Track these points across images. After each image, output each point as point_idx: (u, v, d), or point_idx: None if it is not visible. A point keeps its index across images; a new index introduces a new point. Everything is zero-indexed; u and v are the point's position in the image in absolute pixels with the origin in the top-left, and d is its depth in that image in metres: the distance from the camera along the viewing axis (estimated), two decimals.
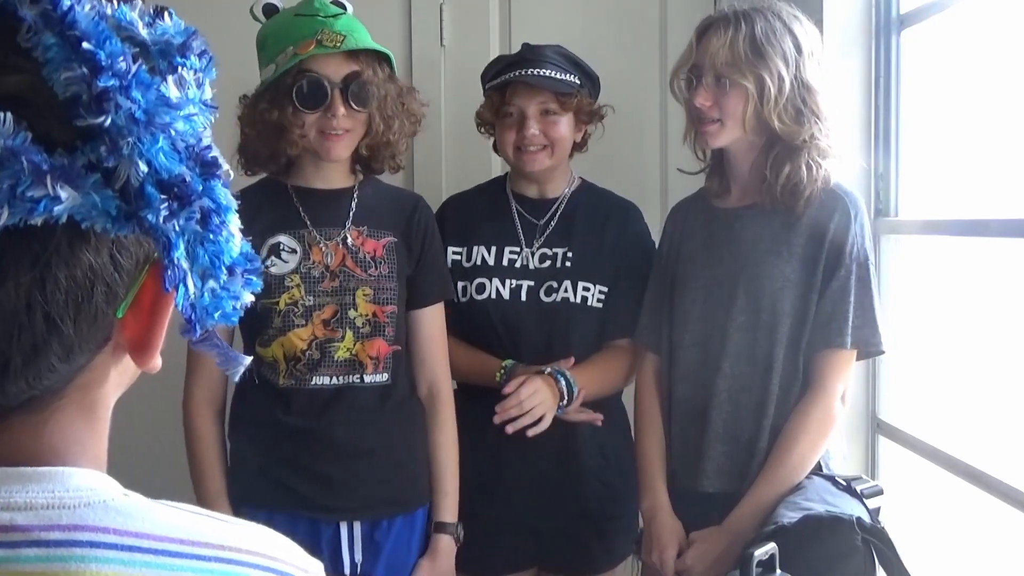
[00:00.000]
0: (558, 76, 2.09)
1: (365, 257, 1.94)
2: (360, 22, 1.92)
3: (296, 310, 1.90)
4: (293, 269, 1.91)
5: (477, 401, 2.07)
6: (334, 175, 1.99)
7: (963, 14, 2.08)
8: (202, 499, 1.90)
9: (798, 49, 1.86)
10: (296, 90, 1.84)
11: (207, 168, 0.61)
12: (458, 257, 2.18)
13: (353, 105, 1.86)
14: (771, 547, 1.54)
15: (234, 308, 0.65)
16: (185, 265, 0.61)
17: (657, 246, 2.18)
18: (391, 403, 1.97)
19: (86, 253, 0.58)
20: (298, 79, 1.84)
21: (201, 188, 0.60)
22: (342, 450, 1.93)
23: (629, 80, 2.66)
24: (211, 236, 0.62)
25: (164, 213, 0.59)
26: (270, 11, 1.93)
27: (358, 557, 1.94)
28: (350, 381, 1.92)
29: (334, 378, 1.92)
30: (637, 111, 2.69)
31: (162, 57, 0.60)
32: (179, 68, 0.61)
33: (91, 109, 0.56)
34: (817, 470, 1.89)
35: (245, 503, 1.90)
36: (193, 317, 0.62)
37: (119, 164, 0.57)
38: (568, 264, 2.17)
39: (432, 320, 2.04)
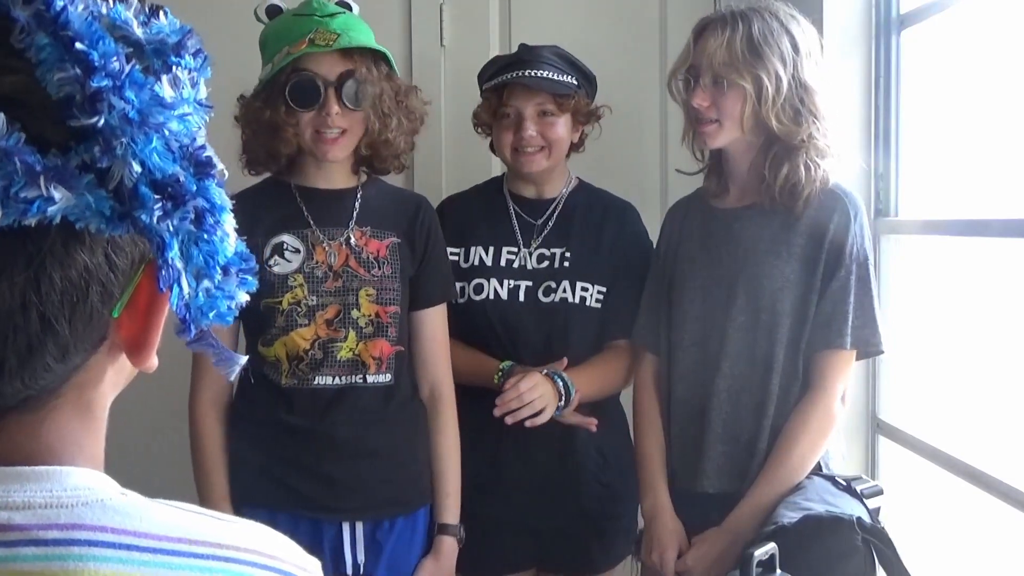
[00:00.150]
0: (556, 77, 2.09)
1: (368, 257, 1.95)
2: (363, 21, 1.92)
3: (299, 310, 1.90)
4: (296, 269, 1.91)
5: (476, 402, 2.07)
6: (337, 175, 1.99)
7: (963, 14, 2.07)
8: (205, 501, 1.90)
9: (795, 49, 1.86)
10: (288, 88, 1.84)
11: (201, 168, 0.61)
12: (456, 258, 2.18)
13: (347, 104, 1.86)
14: (771, 547, 1.54)
15: (229, 308, 0.65)
16: (179, 265, 0.61)
17: (655, 246, 2.18)
18: (394, 403, 1.97)
19: (81, 253, 0.58)
20: (291, 78, 1.84)
21: (195, 188, 0.61)
22: (344, 450, 1.93)
23: (629, 80, 2.66)
24: (205, 236, 0.62)
25: (158, 213, 0.59)
26: (273, 12, 1.93)
27: (360, 557, 1.94)
28: (353, 381, 1.92)
29: (337, 378, 1.92)
30: (637, 111, 2.69)
31: (157, 56, 0.60)
32: (174, 67, 0.61)
33: (84, 109, 0.57)
34: (817, 470, 1.89)
35: (247, 503, 1.90)
36: (188, 317, 0.63)
37: (113, 164, 0.57)
38: (567, 264, 2.17)
39: (434, 321, 2.04)
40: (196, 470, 1.95)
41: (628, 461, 2.14)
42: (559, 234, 2.20)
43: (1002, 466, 1.80)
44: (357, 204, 1.98)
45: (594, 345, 2.17)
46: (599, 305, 2.16)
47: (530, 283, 2.17)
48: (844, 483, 1.83)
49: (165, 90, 0.60)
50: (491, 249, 2.20)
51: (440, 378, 2.04)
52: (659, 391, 2.06)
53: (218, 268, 0.63)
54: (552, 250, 2.19)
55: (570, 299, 2.15)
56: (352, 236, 1.95)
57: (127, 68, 0.58)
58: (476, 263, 2.19)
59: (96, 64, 0.57)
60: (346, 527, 1.94)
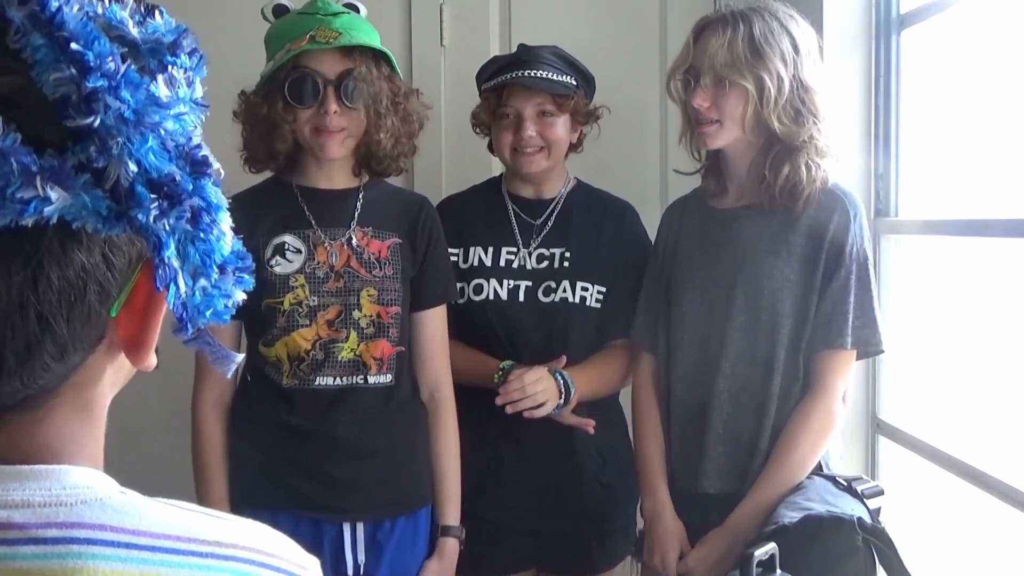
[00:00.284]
0: (555, 78, 2.09)
1: (370, 258, 1.95)
2: (368, 23, 1.92)
3: (300, 310, 1.90)
4: (298, 269, 1.91)
5: (475, 402, 2.07)
6: (338, 175, 1.99)
7: (963, 14, 2.07)
8: (203, 502, 1.90)
9: (796, 49, 1.86)
10: (287, 85, 1.84)
11: (197, 167, 0.61)
12: (455, 258, 2.18)
13: (346, 102, 1.86)
14: (771, 547, 1.54)
15: (225, 306, 0.65)
16: (176, 264, 0.61)
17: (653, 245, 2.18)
18: (394, 404, 1.97)
19: (78, 253, 0.59)
20: (291, 75, 1.84)
21: (191, 187, 0.61)
22: (345, 451, 1.93)
23: (629, 80, 2.65)
24: (202, 235, 0.62)
25: (154, 212, 0.59)
26: (280, 12, 1.94)
27: (361, 558, 1.94)
28: (354, 382, 1.92)
29: (338, 379, 1.92)
30: (637, 112, 2.69)
31: (152, 56, 0.61)
32: (169, 67, 0.61)
33: (80, 110, 0.57)
34: (818, 470, 1.89)
35: (247, 503, 1.89)
36: (185, 315, 0.63)
37: (109, 164, 0.57)
38: (566, 264, 2.17)
39: (435, 322, 2.04)
40: (196, 471, 1.95)
41: (628, 461, 2.14)
42: (558, 234, 2.20)
43: (1002, 466, 1.80)
44: (359, 204, 1.98)
45: (594, 345, 2.17)
46: (599, 305, 2.16)
47: (530, 283, 2.17)
48: (845, 483, 1.83)
49: (161, 90, 0.60)
50: (490, 249, 2.20)
51: (440, 379, 2.04)
52: (658, 391, 2.06)
53: (215, 267, 0.63)
54: (552, 250, 2.19)
55: (570, 299, 2.15)
56: (354, 236, 1.95)
57: (123, 68, 0.58)
58: (475, 263, 2.19)
59: (91, 64, 0.57)
60: (347, 527, 1.94)
